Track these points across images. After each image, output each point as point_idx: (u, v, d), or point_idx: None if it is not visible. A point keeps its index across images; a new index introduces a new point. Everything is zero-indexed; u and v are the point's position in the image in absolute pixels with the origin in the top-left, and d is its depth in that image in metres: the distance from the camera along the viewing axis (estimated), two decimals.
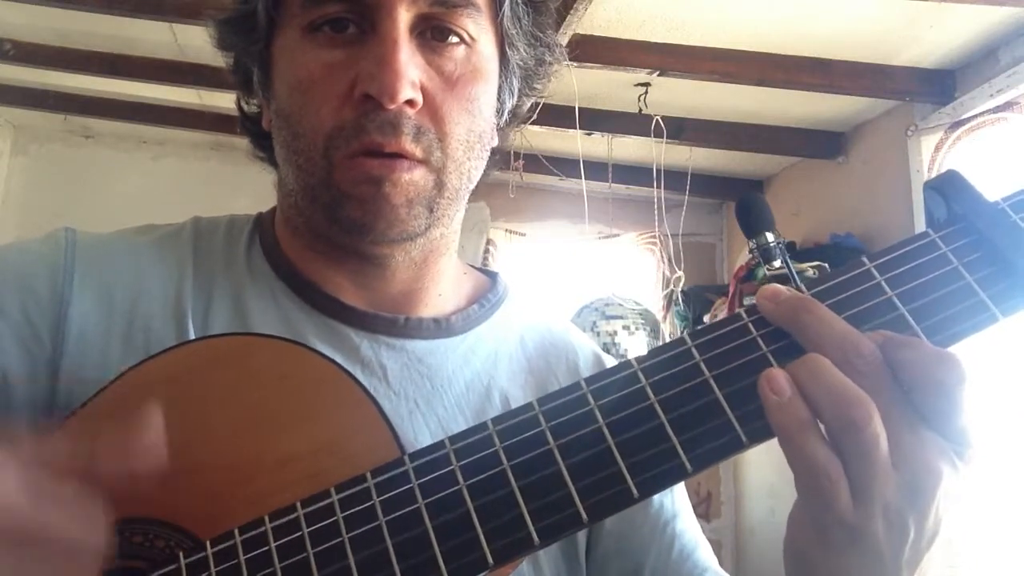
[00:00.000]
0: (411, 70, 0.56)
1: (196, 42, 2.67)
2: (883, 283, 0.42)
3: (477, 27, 0.60)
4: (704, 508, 3.81)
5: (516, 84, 0.66)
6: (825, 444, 0.39)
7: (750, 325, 0.42)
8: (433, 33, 0.59)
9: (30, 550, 0.36)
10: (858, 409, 0.38)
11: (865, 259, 0.43)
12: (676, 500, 0.70)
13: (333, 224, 0.60)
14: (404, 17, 0.56)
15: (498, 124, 0.66)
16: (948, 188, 0.44)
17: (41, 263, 0.60)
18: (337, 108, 0.57)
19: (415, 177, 0.58)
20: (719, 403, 0.40)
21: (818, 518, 0.40)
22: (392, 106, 0.55)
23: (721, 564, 0.70)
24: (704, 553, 0.68)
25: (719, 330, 0.43)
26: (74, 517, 0.37)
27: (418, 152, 0.57)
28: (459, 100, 0.59)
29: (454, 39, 0.59)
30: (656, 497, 0.68)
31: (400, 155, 0.56)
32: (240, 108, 0.70)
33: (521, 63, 0.65)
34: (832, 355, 0.40)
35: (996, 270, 0.41)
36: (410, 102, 0.56)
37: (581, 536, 0.66)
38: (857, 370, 0.39)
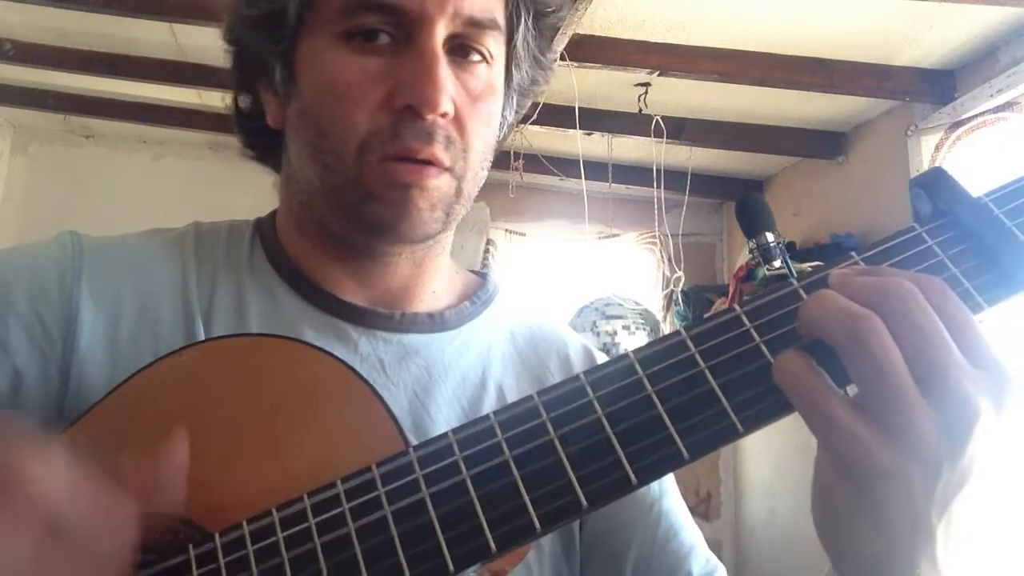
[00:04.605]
0: (449, 83, 0.59)
1: (196, 42, 2.67)
2: None
3: (496, 47, 0.64)
4: (704, 508, 3.81)
5: (515, 101, 0.71)
6: (844, 401, 0.39)
7: (743, 316, 0.43)
8: (459, 50, 0.62)
9: (59, 546, 0.36)
10: (863, 322, 0.39)
11: (854, 253, 0.44)
12: (663, 481, 0.71)
13: (354, 223, 0.63)
14: (442, 33, 0.59)
15: (498, 138, 0.69)
16: (933, 184, 0.45)
17: (50, 264, 0.61)
18: (373, 113, 0.59)
19: (441, 183, 0.61)
20: (714, 392, 0.41)
21: (842, 462, 0.40)
22: (430, 116, 0.58)
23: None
24: (690, 533, 0.70)
25: (713, 322, 0.44)
26: (110, 522, 0.38)
27: (446, 160, 0.60)
28: (480, 114, 0.62)
29: (476, 57, 0.62)
30: None
31: (430, 162, 0.59)
32: (236, 105, 0.71)
33: (521, 82, 0.69)
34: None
35: (980, 262, 0.43)
36: (443, 114, 0.59)
37: None
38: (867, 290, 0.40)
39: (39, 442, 0.38)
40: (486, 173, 0.66)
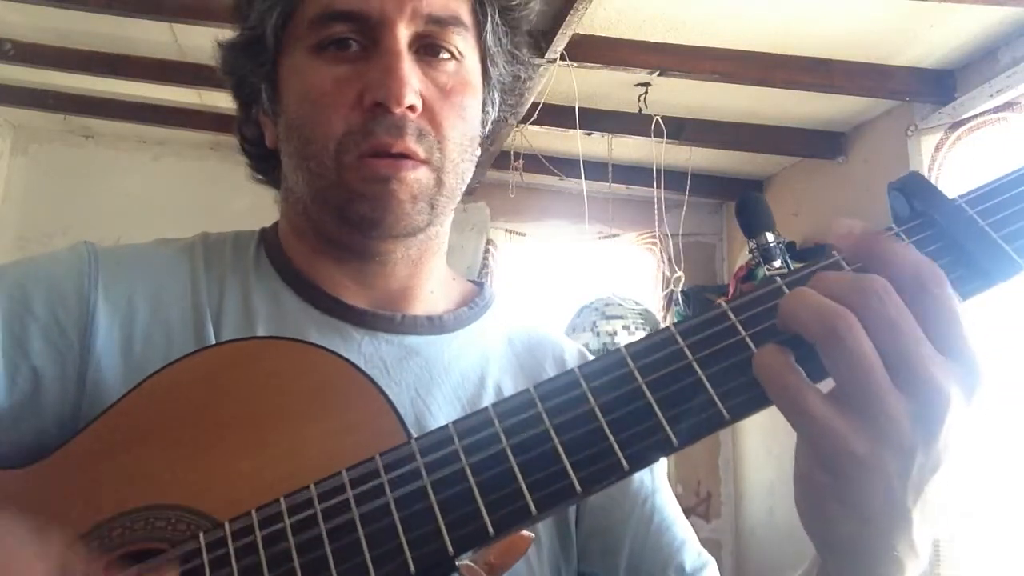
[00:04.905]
0: (413, 78, 0.62)
1: (196, 42, 2.67)
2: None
3: (465, 44, 0.66)
4: (704, 508, 3.81)
5: (497, 98, 0.72)
6: (820, 395, 0.40)
7: (729, 312, 0.45)
8: (427, 50, 0.64)
9: None
10: (838, 319, 0.40)
11: (835, 252, 0.46)
12: (656, 478, 0.73)
13: (343, 223, 0.65)
14: (404, 34, 0.62)
15: (482, 134, 0.71)
16: (910, 188, 0.48)
17: (67, 271, 0.64)
18: (346, 115, 0.62)
19: (419, 175, 0.63)
20: (702, 382, 0.43)
21: (821, 453, 0.41)
22: (398, 110, 0.61)
23: (720, 564, 0.73)
24: (682, 528, 0.72)
25: (701, 318, 0.46)
26: None
27: (421, 152, 0.62)
28: (453, 108, 0.65)
29: (445, 55, 0.65)
30: (636, 475, 0.70)
31: (405, 155, 0.62)
32: (241, 133, 0.74)
33: (500, 79, 0.71)
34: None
35: (954, 259, 0.45)
36: (412, 107, 0.61)
37: (571, 513, 0.69)
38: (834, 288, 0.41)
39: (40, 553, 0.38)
40: (471, 166, 0.68)
